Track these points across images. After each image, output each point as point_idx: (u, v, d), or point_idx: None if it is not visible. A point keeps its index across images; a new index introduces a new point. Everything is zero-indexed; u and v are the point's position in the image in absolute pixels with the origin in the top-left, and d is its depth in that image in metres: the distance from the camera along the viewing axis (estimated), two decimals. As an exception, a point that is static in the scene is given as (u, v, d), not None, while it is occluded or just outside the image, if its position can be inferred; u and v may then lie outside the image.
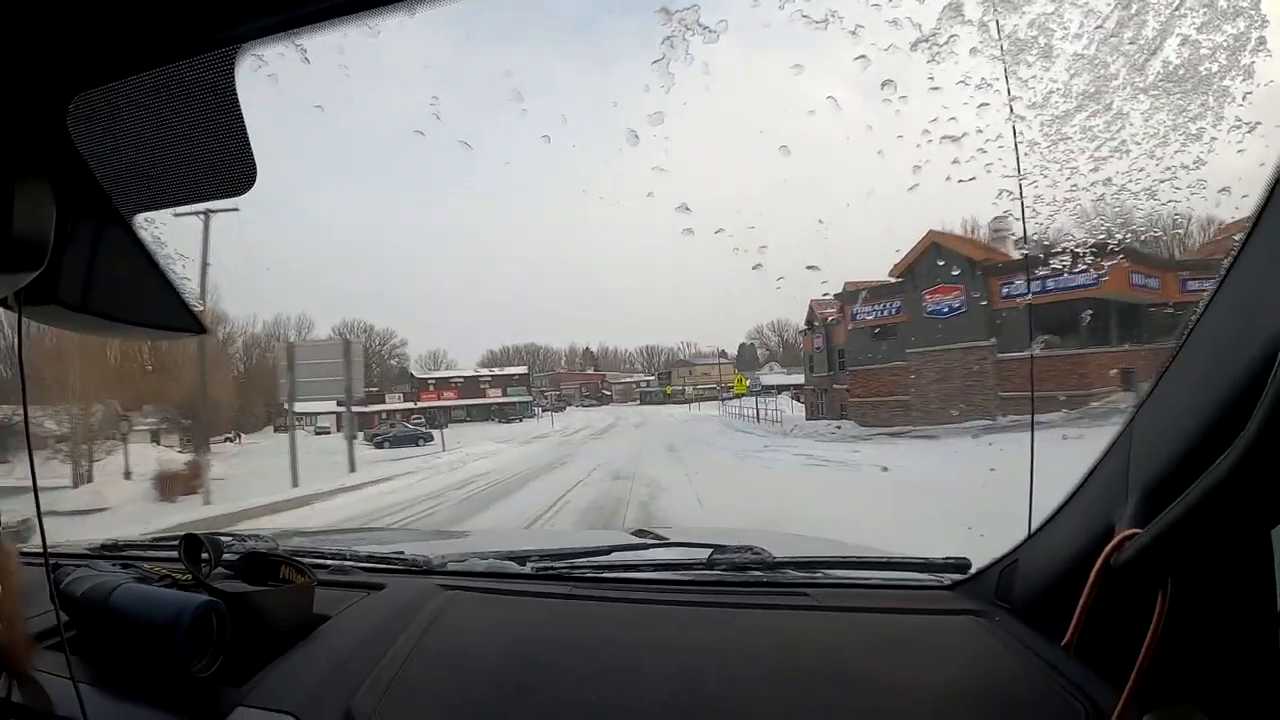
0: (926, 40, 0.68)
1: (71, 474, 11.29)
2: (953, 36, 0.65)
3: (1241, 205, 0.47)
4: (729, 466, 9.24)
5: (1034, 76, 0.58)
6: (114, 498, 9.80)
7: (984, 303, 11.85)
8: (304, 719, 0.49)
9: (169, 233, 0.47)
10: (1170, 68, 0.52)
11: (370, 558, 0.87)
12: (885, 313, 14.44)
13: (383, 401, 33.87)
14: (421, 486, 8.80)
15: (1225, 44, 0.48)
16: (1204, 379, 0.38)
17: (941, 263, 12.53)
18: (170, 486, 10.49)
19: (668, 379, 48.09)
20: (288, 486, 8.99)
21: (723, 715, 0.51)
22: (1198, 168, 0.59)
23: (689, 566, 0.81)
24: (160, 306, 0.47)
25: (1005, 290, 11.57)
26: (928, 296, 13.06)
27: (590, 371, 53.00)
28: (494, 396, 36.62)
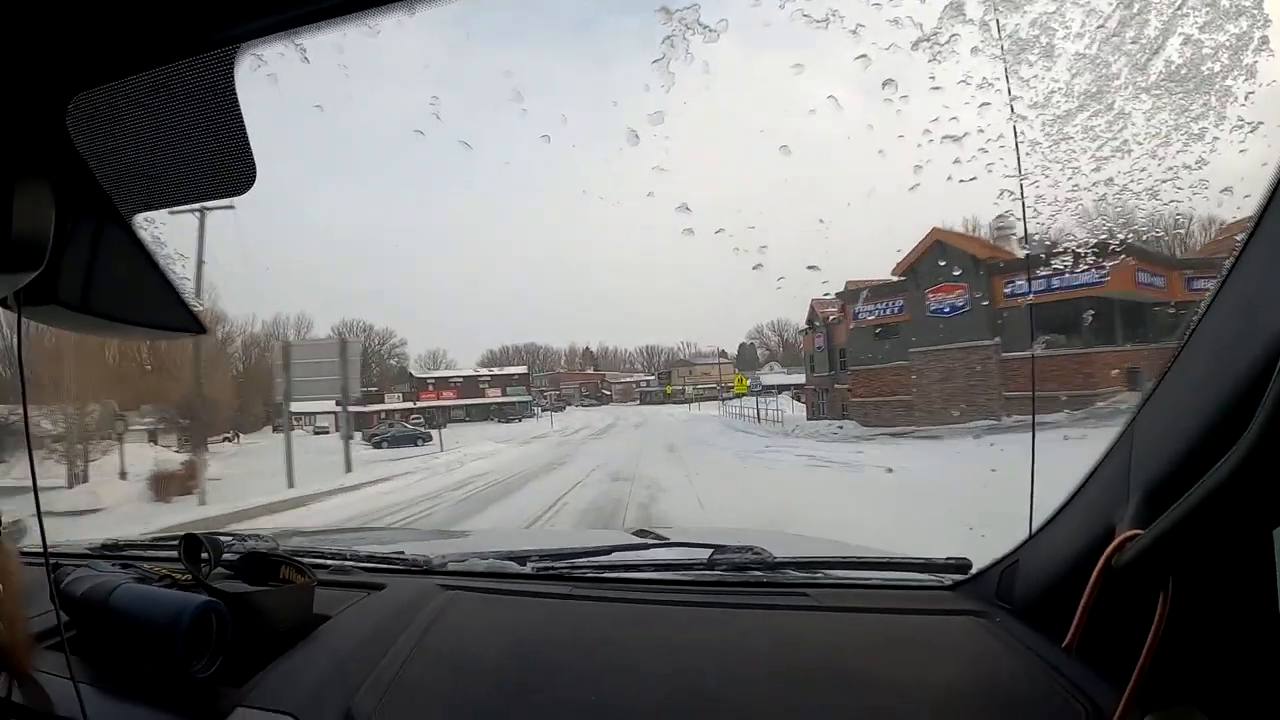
0: (928, 39, 0.68)
1: (66, 474, 11.30)
2: (954, 36, 0.65)
3: (1244, 205, 0.47)
4: (730, 467, 9.20)
5: (1035, 76, 0.59)
6: (108, 498, 9.81)
7: (987, 301, 11.84)
8: (304, 718, 0.49)
9: (164, 230, 0.47)
10: (1172, 67, 0.52)
11: (370, 558, 0.88)
12: (888, 311, 14.43)
13: (382, 401, 33.94)
14: (418, 487, 8.78)
15: (1228, 43, 0.48)
16: (1205, 379, 0.39)
17: (944, 261, 12.51)
18: (165, 487, 10.50)
19: (668, 379, 48.13)
20: (284, 487, 8.99)
21: (723, 715, 0.51)
22: (1200, 168, 0.59)
23: (689, 566, 0.81)
24: (160, 306, 0.47)
25: (1009, 289, 11.55)
26: (931, 295, 13.05)
27: (590, 371, 53.04)
28: (493, 396, 36.67)
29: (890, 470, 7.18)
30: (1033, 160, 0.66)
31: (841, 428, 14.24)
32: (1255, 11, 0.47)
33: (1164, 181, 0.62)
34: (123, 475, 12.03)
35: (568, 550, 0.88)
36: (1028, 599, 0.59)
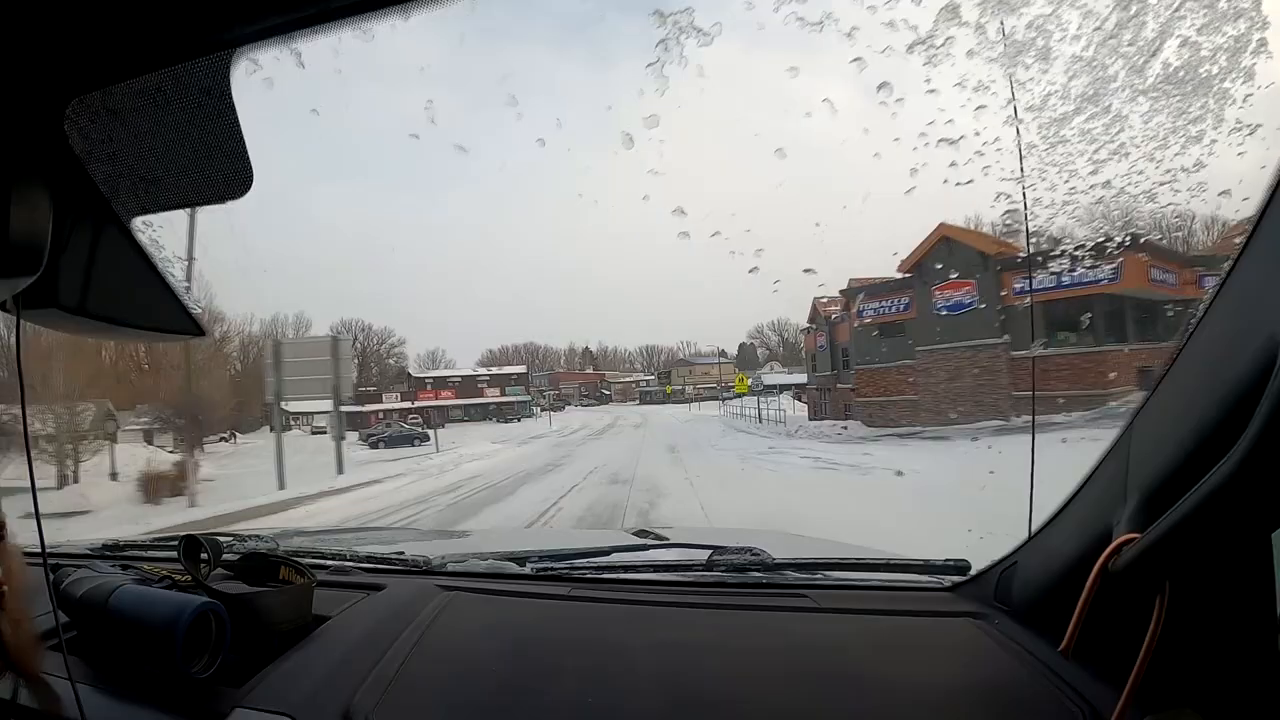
0: (923, 42, 0.69)
1: (56, 475, 11.33)
2: (949, 39, 0.66)
3: (1242, 208, 0.48)
4: (733, 470, 9.10)
5: (1032, 79, 0.59)
6: (97, 499, 9.84)
7: (996, 299, 11.79)
8: (302, 719, 0.50)
9: (161, 232, 0.48)
10: (1170, 70, 0.53)
11: (370, 558, 0.89)
12: (893, 309, 14.41)
13: (380, 401, 34.04)
14: (407, 491, 8.71)
15: (1225, 46, 0.49)
16: (1203, 383, 0.39)
17: (951, 257, 12.47)
18: (156, 488, 10.50)
19: (667, 379, 48.17)
20: (274, 489, 9.00)
21: (721, 716, 0.52)
22: (1198, 170, 0.60)
23: (689, 567, 0.82)
24: (158, 309, 0.48)
25: (1019, 286, 11.51)
26: (937, 292, 13.02)
27: (589, 371, 53.06)
28: (492, 396, 36.74)
29: (900, 473, 7.06)
30: (1029, 163, 0.67)
31: (846, 428, 14.23)
32: (1253, 14, 0.48)
33: (1162, 184, 0.63)
34: (113, 476, 12.07)
35: (567, 550, 0.90)
36: (1026, 601, 0.60)
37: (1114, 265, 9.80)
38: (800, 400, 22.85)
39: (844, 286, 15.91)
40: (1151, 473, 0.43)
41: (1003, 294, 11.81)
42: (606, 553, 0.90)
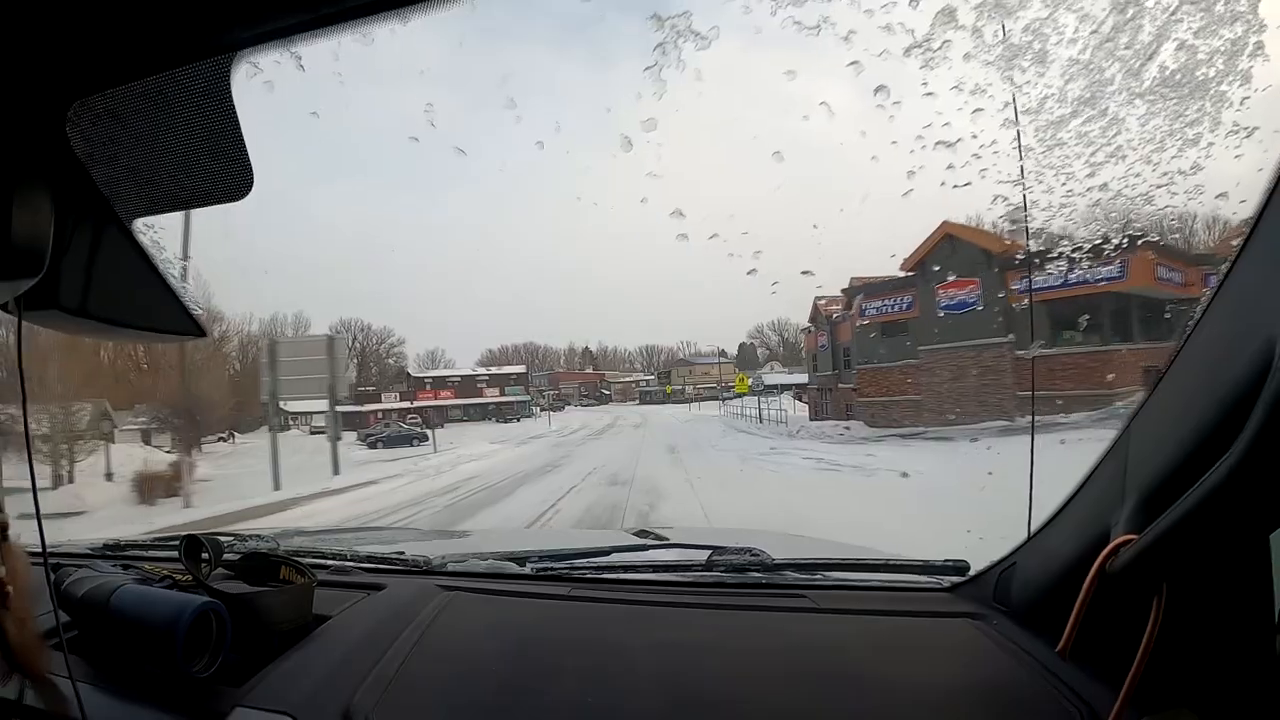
0: (920, 46, 0.70)
1: (51, 475, 11.35)
2: (946, 42, 0.67)
3: (1240, 210, 0.49)
4: (735, 471, 9.06)
5: (1028, 82, 0.60)
6: (92, 500, 9.85)
7: (1001, 297, 11.77)
8: (302, 718, 0.51)
9: (162, 233, 0.49)
10: (1167, 73, 0.54)
11: (370, 558, 0.90)
12: (895, 308, 14.41)
13: (379, 401, 34.13)
14: (404, 492, 8.67)
15: (1222, 49, 0.50)
16: (1201, 383, 0.40)
17: (955, 256, 12.46)
18: (151, 488, 10.50)
19: (667, 379, 48.24)
20: (270, 489, 9.00)
21: (720, 716, 0.53)
22: (1195, 173, 0.60)
23: (688, 567, 0.83)
24: (159, 310, 0.49)
25: (1023, 284, 11.49)
26: (941, 291, 13.00)
27: (589, 371, 53.12)
28: (491, 396, 36.80)
29: (905, 474, 6.97)
30: (1026, 165, 0.68)
31: (848, 428, 14.23)
32: (1250, 17, 0.49)
33: (1159, 187, 0.63)
34: (109, 477, 12.09)
35: (567, 550, 0.91)
36: (1024, 602, 0.61)
37: (1120, 263, 9.81)
38: (801, 400, 22.88)
39: (842, 287, 15.95)
40: (1149, 474, 0.43)
41: (1006, 293, 11.79)
42: (606, 553, 0.91)
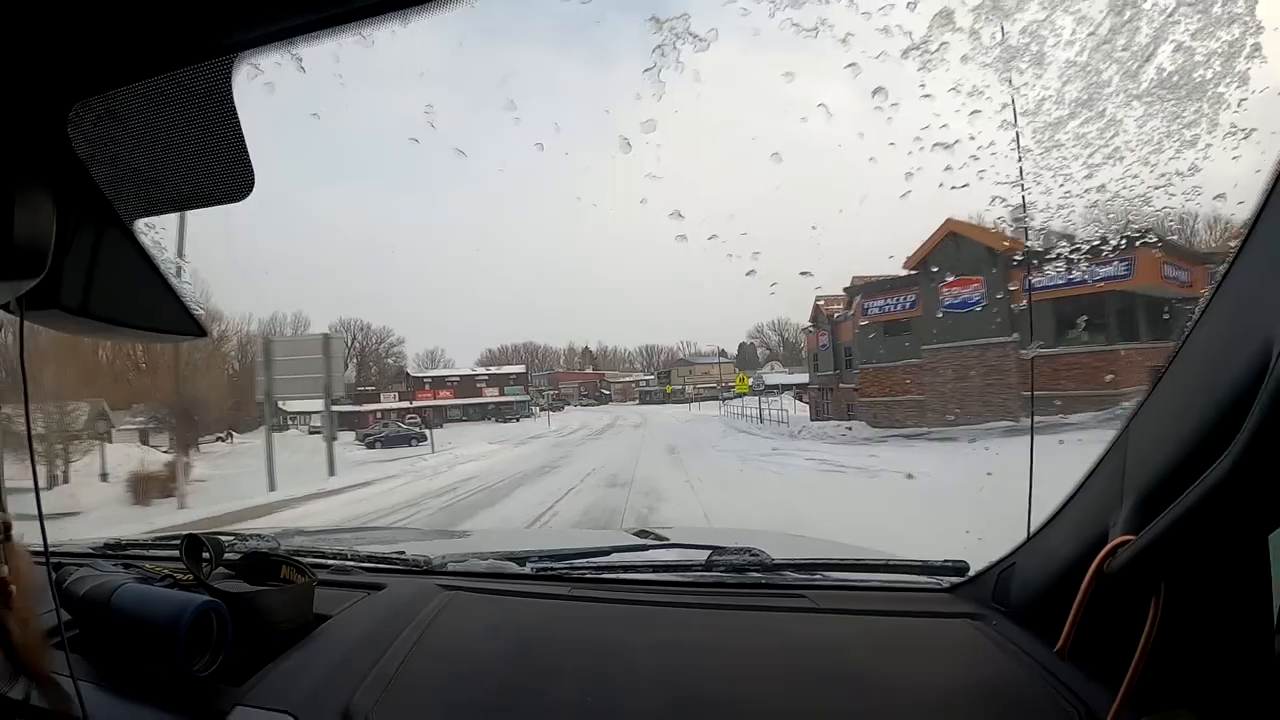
0: (917, 48, 0.70)
1: (46, 475, 11.37)
2: (944, 44, 0.68)
3: (1237, 211, 0.49)
4: (736, 472, 9.02)
5: (1026, 84, 0.61)
6: (86, 500, 9.86)
7: (1003, 296, 11.75)
8: (302, 718, 0.51)
9: (163, 234, 0.50)
10: (1164, 74, 0.54)
11: (371, 558, 0.91)
12: (898, 308, 14.40)
13: (378, 400, 34.21)
14: (400, 493, 8.64)
15: (1220, 50, 0.50)
16: (1200, 384, 0.40)
17: (959, 254, 12.45)
18: (145, 489, 10.50)
19: (667, 378, 48.31)
20: (265, 490, 8.99)
21: (719, 716, 0.53)
22: (1192, 174, 0.61)
23: (688, 567, 0.84)
24: (160, 310, 0.49)
25: (1028, 283, 11.47)
26: (945, 290, 12.99)
27: (589, 371, 53.17)
28: (491, 396, 36.86)
29: (911, 476, 6.92)
30: (1024, 166, 0.68)
31: (850, 429, 14.23)
32: (1247, 18, 0.49)
33: (1157, 188, 0.64)
34: (103, 477, 12.11)
35: (567, 550, 0.91)
36: (1023, 602, 0.61)
37: (1126, 262, 9.79)
38: (801, 400, 22.89)
39: (844, 286, 15.96)
40: (1148, 474, 0.44)
41: (1011, 292, 11.76)
42: (606, 553, 0.91)
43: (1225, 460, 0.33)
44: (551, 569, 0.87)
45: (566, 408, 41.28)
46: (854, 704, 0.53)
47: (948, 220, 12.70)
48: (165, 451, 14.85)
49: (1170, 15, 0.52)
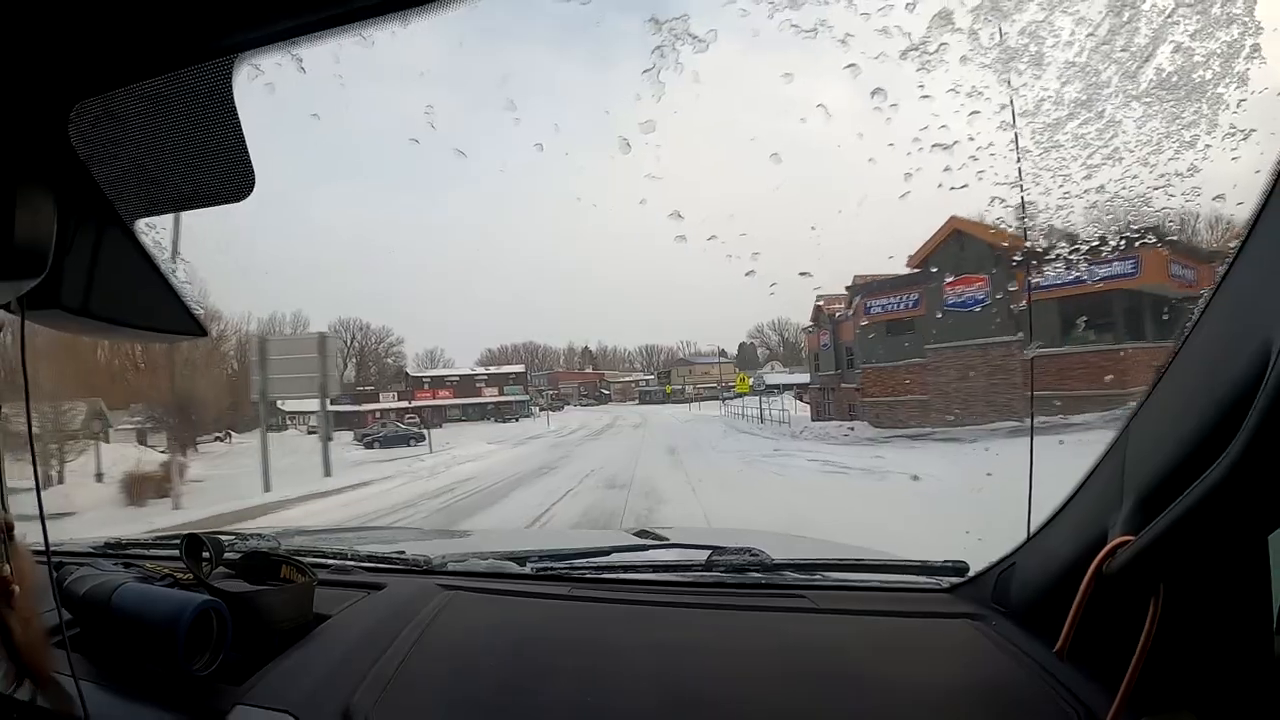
0: (916, 49, 0.71)
1: (40, 475, 11.33)
2: (942, 45, 0.68)
3: (1237, 212, 0.50)
4: (737, 474, 8.97)
5: (1025, 84, 0.62)
6: (79, 501, 9.87)
7: (1007, 294, 11.72)
8: (302, 717, 0.52)
9: (161, 229, 0.50)
10: (1163, 75, 0.55)
11: (371, 557, 0.91)
12: (901, 306, 14.39)
13: (377, 400, 34.30)
14: (395, 495, 8.61)
15: (1219, 51, 0.51)
16: (1199, 384, 0.41)
17: (964, 253, 12.43)
18: (140, 490, 10.50)
19: (667, 378, 48.39)
20: (260, 491, 8.98)
21: (718, 717, 0.54)
22: (1191, 175, 0.62)
23: (688, 568, 0.85)
24: (161, 310, 0.50)
25: (1033, 282, 11.42)
26: (949, 288, 12.97)
27: (589, 370, 53.26)
28: (490, 395, 36.92)
29: (917, 478, 6.87)
30: (1023, 167, 0.69)
31: (853, 429, 14.23)
32: (1246, 19, 0.50)
33: (1156, 189, 0.65)
34: (99, 477, 12.13)
35: (567, 550, 0.92)
36: (1023, 602, 0.62)
37: (1133, 260, 9.77)
38: (802, 400, 22.91)
39: (846, 285, 15.96)
40: (1147, 475, 0.44)
41: (1015, 290, 11.72)
42: (606, 553, 0.92)
43: (1224, 461, 0.33)
44: (551, 569, 0.88)
45: (566, 408, 41.35)
46: (853, 704, 0.54)
47: (952, 218, 12.68)
48: (162, 451, 14.88)
49: (1169, 16, 0.53)
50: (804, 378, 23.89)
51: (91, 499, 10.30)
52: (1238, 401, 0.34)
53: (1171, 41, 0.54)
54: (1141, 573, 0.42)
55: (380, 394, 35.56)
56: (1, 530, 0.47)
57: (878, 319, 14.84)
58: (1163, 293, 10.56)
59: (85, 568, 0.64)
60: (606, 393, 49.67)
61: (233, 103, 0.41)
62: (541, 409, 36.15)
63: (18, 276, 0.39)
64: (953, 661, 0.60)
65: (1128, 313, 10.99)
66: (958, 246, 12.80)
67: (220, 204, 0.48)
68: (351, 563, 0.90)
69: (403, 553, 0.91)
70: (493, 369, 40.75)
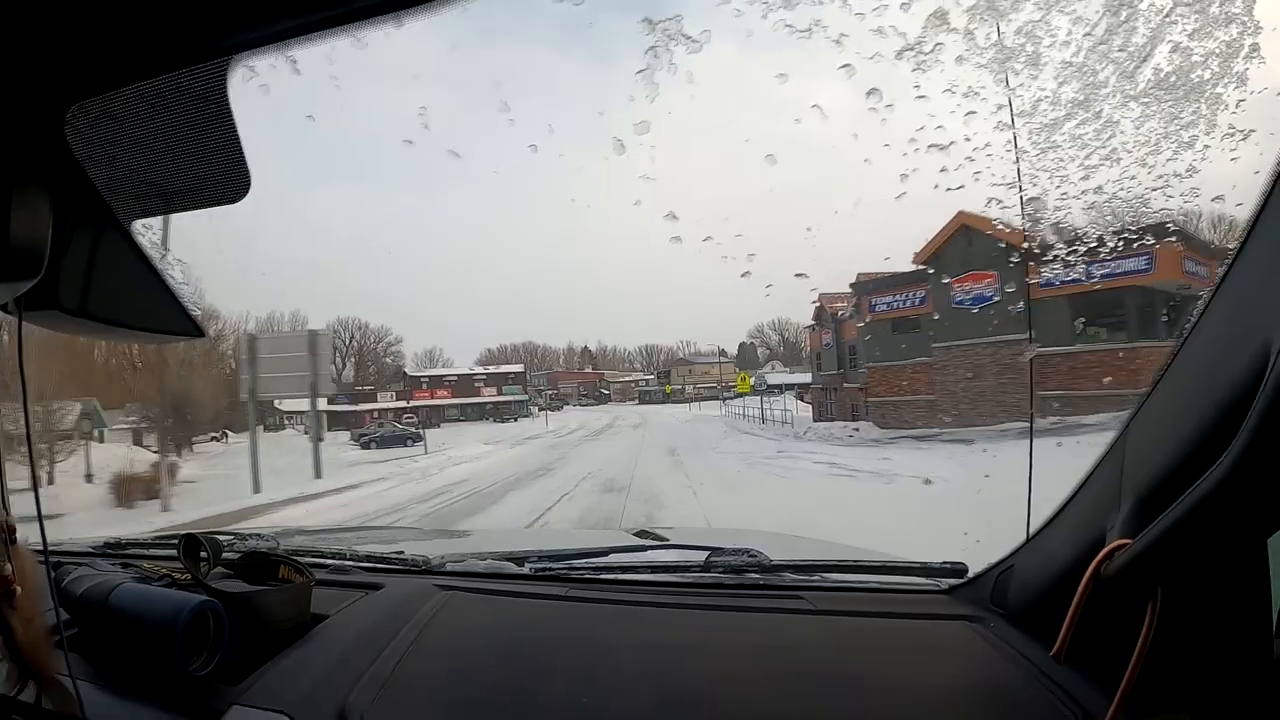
0: (912, 49, 0.72)
1: (30, 476, 11.35)
2: (938, 45, 0.69)
3: (1236, 213, 0.51)
4: (740, 476, 8.92)
5: (1022, 85, 0.62)
6: (67, 503, 9.87)
7: (1019, 290, 11.63)
8: (298, 717, 0.53)
9: (158, 230, 0.51)
10: (1161, 75, 0.55)
11: (370, 557, 0.92)
12: (907, 304, 14.35)
13: (375, 400, 34.39)
14: (384, 498, 8.59)
15: (1218, 50, 0.51)
16: (1199, 386, 0.41)
17: (972, 249, 12.36)
18: (130, 491, 10.45)
19: (667, 378, 48.46)
20: (250, 493, 8.96)
21: (715, 717, 0.55)
22: (1190, 175, 0.62)
23: (686, 568, 0.86)
24: (159, 310, 0.51)
25: (1044, 278, 11.31)
26: (956, 285, 12.92)
27: (588, 370, 53.32)
28: (489, 395, 36.99)
29: (929, 481, 6.71)
30: (1021, 168, 0.69)
31: (857, 429, 14.21)
32: (1245, 18, 0.50)
33: (1154, 190, 0.65)
34: (88, 478, 12.15)
35: (566, 551, 0.93)
36: (1021, 604, 0.63)
37: (1146, 257, 9.71)
38: (803, 400, 22.89)
39: (850, 282, 15.90)
40: (1145, 477, 0.45)
41: (1028, 285, 11.64)
42: (605, 553, 0.93)
43: (1223, 463, 0.34)
44: (550, 569, 0.89)
45: (565, 407, 41.43)
46: (851, 705, 0.55)
47: (960, 213, 12.60)
48: (156, 452, 14.92)
49: (1167, 15, 0.53)
50: (805, 377, 23.89)
51: (80, 500, 10.31)
52: (1237, 403, 0.35)
53: (1169, 41, 0.54)
54: (1139, 576, 0.43)
55: (379, 394, 35.66)
56: (3, 531, 0.48)
57: (883, 317, 14.79)
58: (1176, 289, 10.49)
59: (83, 568, 0.65)
60: (606, 393, 49.72)
61: (228, 104, 0.42)
62: (540, 409, 36.21)
63: (15, 278, 0.40)
64: (950, 663, 0.61)
65: (1141, 310, 10.93)
66: (965, 242, 12.73)
67: (216, 205, 0.49)
68: (350, 563, 0.91)
69: (401, 553, 0.92)
70: (491, 369, 40.84)
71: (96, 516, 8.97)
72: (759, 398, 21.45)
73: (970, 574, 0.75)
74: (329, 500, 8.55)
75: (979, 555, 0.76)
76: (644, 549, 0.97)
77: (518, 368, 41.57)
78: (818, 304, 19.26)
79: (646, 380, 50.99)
